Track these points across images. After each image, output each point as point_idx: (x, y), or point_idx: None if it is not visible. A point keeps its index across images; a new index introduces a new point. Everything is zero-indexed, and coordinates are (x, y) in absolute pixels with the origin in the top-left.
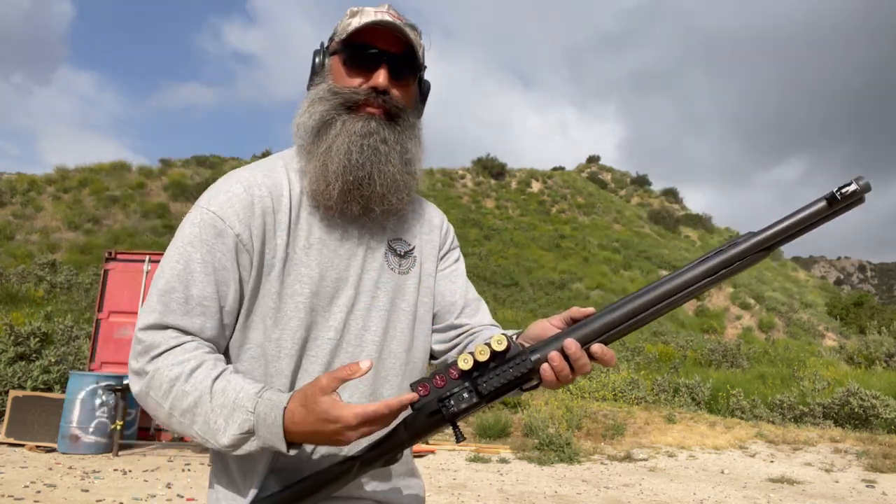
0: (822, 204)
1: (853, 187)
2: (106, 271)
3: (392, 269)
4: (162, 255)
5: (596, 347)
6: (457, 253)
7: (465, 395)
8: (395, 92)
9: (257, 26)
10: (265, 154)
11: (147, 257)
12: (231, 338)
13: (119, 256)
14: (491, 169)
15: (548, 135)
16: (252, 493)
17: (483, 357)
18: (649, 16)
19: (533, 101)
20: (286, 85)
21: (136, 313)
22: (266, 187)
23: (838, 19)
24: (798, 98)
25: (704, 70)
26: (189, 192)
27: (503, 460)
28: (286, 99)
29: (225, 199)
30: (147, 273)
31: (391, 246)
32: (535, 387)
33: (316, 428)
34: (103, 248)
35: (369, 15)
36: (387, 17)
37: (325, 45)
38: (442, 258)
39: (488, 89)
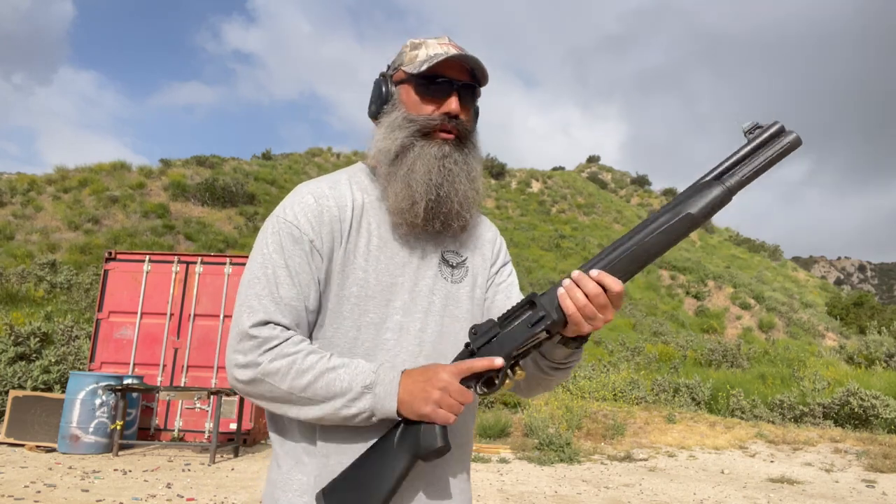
0: (744, 144)
1: (750, 124)
2: (106, 271)
3: (445, 278)
4: (162, 255)
5: (593, 272)
6: (510, 267)
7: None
8: (462, 116)
9: (257, 26)
10: (265, 154)
11: (147, 257)
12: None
13: (119, 256)
14: (491, 169)
15: (549, 135)
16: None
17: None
18: (652, 17)
19: (534, 101)
20: (286, 85)
21: (135, 313)
22: (333, 198)
23: (842, 21)
24: (800, 98)
25: (707, 71)
26: (189, 192)
27: (503, 460)
28: (286, 99)
29: (299, 208)
30: (147, 273)
31: (444, 257)
32: (564, 324)
33: (422, 378)
34: (103, 248)
35: (434, 47)
36: (453, 51)
37: (390, 74)
38: (496, 272)
39: (489, 90)
